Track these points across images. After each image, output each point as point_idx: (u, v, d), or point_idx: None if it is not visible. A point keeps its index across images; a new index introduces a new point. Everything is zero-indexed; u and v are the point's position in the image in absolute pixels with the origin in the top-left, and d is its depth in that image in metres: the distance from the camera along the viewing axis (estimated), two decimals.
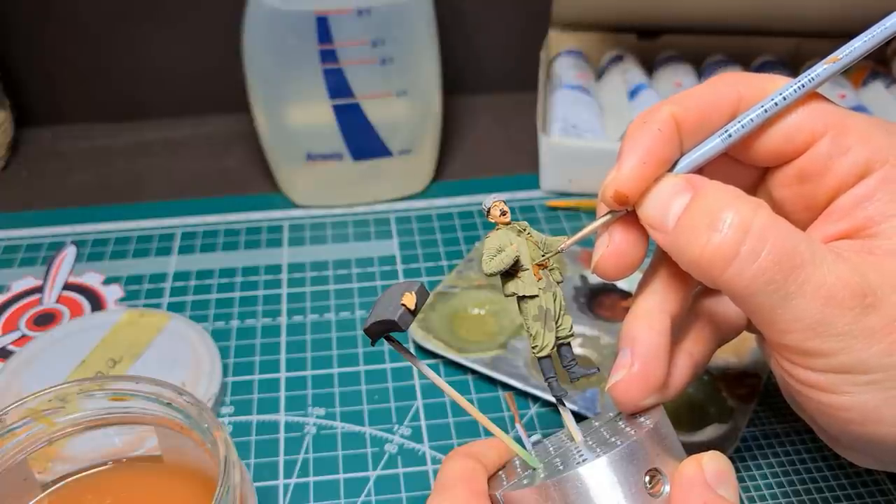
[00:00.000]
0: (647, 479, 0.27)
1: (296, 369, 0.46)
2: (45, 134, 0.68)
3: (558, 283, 0.29)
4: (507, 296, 0.29)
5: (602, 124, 0.61)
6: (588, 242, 0.55)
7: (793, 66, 0.68)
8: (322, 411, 0.43)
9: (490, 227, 0.29)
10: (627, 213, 0.29)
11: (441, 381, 0.29)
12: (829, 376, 0.27)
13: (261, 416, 0.43)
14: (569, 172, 0.59)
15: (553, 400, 0.31)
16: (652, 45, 0.70)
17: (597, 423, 0.32)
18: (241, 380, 0.45)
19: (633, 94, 0.63)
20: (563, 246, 0.29)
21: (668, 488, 0.27)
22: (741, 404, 0.42)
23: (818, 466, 0.40)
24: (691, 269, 0.27)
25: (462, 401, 0.29)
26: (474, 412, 0.30)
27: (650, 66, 0.69)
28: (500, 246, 0.28)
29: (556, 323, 0.29)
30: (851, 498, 0.39)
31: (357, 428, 0.43)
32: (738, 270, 0.26)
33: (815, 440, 0.41)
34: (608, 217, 0.30)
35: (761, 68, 0.67)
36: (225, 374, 0.45)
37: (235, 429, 0.43)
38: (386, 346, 0.47)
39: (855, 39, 0.28)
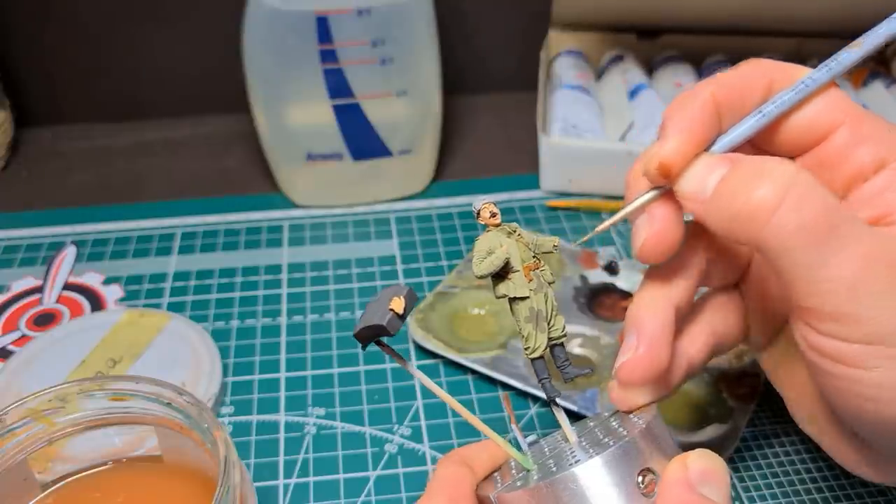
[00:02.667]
0: (641, 479, 0.27)
1: (296, 369, 0.46)
2: (45, 134, 0.68)
3: (550, 283, 0.29)
4: (498, 297, 0.29)
5: (602, 124, 0.61)
6: (587, 242, 0.55)
7: None
8: (322, 411, 0.43)
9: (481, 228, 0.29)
10: (664, 195, 0.29)
11: (431, 383, 0.29)
12: (857, 347, 0.26)
13: (261, 416, 0.43)
14: (569, 172, 0.59)
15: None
16: (652, 45, 0.70)
17: (592, 424, 0.32)
18: (241, 380, 0.45)
19: (633, 94, 0.63)
20: (601, 228, 0.30)
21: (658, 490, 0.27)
22: (741, 404, 0.42)
23: (818, 466, 0.40)
24: (730, 227, 0.27)
25: (453, 402, 0.29)
26: (465, 413, 0.29)
27: (650, 66, 0.69)
28: (490, 248, 0.28)
29: (549, 324, 0.29)
30: (851, 498, 0.39)
31: (357, 428, 0.43)
32: (782, 222, 0.26)
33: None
34: (649, 195, 0.29)
35: None
36: (225, 374, 0.45)
37: (235, 429, 0.43)
38: None
39: (878, 25, 0.29)
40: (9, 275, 0.53)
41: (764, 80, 0.30)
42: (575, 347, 0.46)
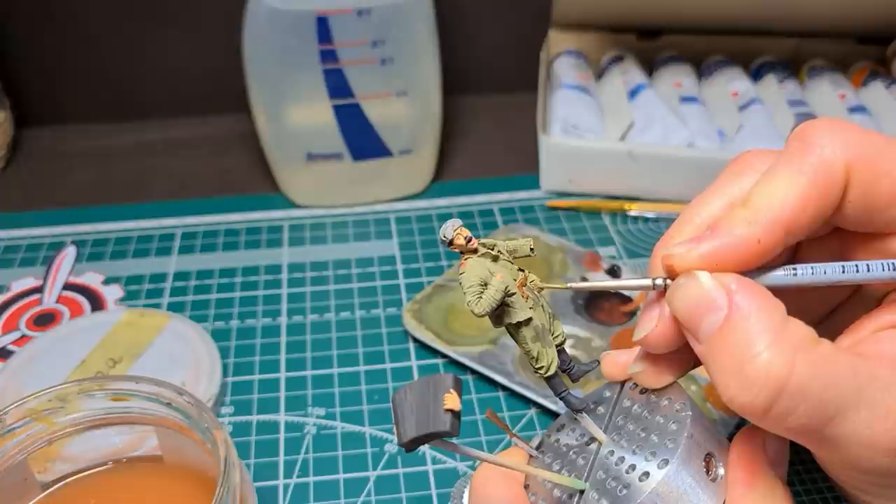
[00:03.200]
0: (706, 466, 0.26)
1: (296, 369, 0.46)
2: (45, 134, 0.68)
3: (540, 290, 0.27)
4: (497, 327, 0.26)
5: (602, 124, 0.61)
6: (588, 242, 0.55)
7: (793, 66, 0.68)
8: (322, 411, 0.43)
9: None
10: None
11: (487, 455, 0.27)
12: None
13: (261, 416, 0.43)
14: (569, 172, 0.59)
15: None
16: (652, 45, 0.70)
17: (602, 409, 0.30)
18: (241, 380, 0.45)
19: (633, 94, 0.63)
20: (571, 286, 0.27)
21: (722, 470, 0.27)
22: (724, 417, 0.42)
23: (818, 466, 0.40)
24: (720, 390, 0.26)
25: (514, 464, 0.28)
26: (528, 469, 0.28)
27: (650, 66, 0.69)
28: (480, 278, 0.25)
29: (551, 334, 0.27)
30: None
31: (357, 428, 0.43)
32: (770, 424, 0.25)
33: None
34: (637, 283, 0.27)
35: (761, 68, 0.67)
36: (225, 374, 0.45)
37: (235, 429, 0.43)
38: (386, 347, 0.47)
39: None
40: (9, 275, 0.53)
41: (842, 176, 0.27)
42: (566, 348, 0.46)
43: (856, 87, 0.66)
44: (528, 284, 0.26)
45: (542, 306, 0.27)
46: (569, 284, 0.27)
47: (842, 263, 0.27)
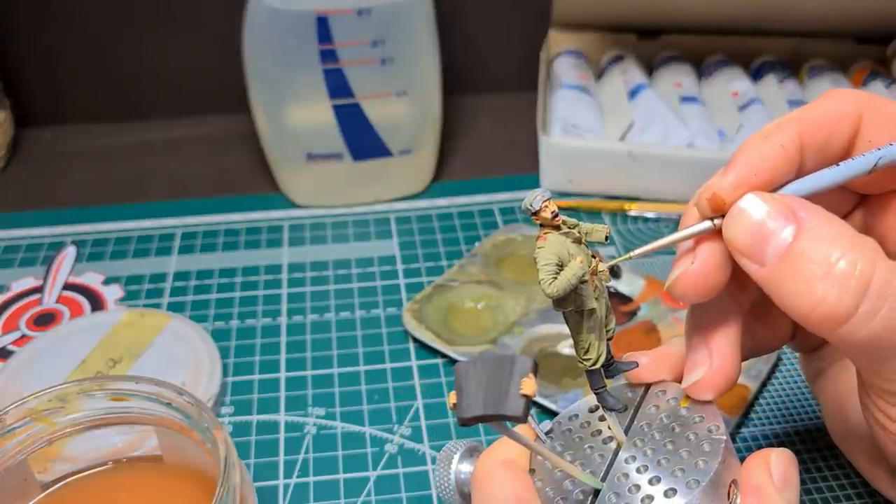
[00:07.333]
0: (727, 494, 0.26)
1: (296, 369, 0.46)
2: (45, 134, 0.68)
3: (604, 280, 0.26)
4: (557, 310, 0.25)
5: (602, 124, 0.61)
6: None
7: (793, 66, 0.68)
8: (322, 411, 0.44)
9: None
10: (717, 231, 0.26)
11: (537, 446, 0.26)
12: None
13: (261, 416, 0.43)
14: (569, 172, 0.59)
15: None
16: (652, 45, 0.70)
17: (626, 410, 0.29)
18: (241, 380, 0.45)
19: (633, 93, 0.63)
20: (634, 254, 0.26)
21: (739, 500, 0.26)
22: (724, 416, 0.41)
23: (818, 466, 0.40)
24: (792, 316, 0.25)
25: (547, 453, 0.26)
26: (558, 461, 0.27)
27: (650, 66, 0.69)
28: (559, 257, 0.24)
29: (606, 327, 0.26)
30: (851, 498, 0.39)
31: (357, 428, 0.43)
32: (852, 330, 0.24)
33: (814, 440, 0.41)
34: (697, 228, 0.26)
35: (761, 68, 0.67)
36: (225, 374, 0.45)
37: (235, 429, 0.43)
38: (386, 347, 0.47)
39: None
40: (9, 275, 0.53)
41: (853, 117, 0.27)
42: (564, 348, 0.46)
43: (856, 86, 0.66)
44: (597, 274, 0.25)
45: (605, 298, 0.26)
46: (631, 254, 0.27)
47: (877, 147, 0.26)
